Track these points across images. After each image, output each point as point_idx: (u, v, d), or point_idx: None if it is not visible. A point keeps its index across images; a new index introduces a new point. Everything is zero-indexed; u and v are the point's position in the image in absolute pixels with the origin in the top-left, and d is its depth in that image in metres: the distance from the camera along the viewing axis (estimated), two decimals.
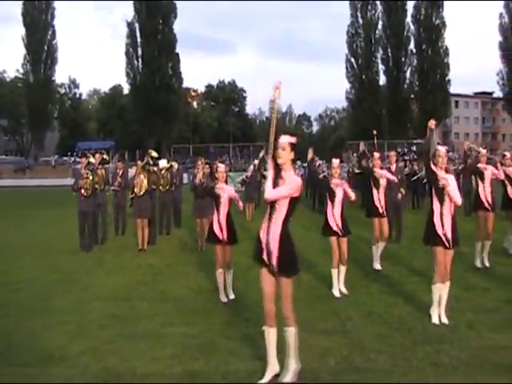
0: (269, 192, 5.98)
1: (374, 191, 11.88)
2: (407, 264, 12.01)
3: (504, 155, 13.02)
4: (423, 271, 11.15)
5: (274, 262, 5.98)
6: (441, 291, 8.11)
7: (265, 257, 6.04)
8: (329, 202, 10.08)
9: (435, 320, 8.06)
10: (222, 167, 10.27)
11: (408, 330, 7.75)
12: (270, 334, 6.13)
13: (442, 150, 8.23)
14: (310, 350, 6.95)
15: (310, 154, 11.80)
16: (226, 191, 9.73)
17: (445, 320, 7.95)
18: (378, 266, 11.73)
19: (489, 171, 12.00)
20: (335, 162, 10.25)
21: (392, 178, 12.08)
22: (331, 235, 9.95)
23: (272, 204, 6.04)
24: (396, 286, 10.41)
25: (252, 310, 8.51)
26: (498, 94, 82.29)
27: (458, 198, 8.03)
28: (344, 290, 9.94)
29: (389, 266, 11.99)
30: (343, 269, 10.01)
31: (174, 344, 7.35)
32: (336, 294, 9.81)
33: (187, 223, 18.32)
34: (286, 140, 6.09)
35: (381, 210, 11.82)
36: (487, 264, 11.75)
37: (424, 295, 9.20)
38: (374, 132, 15.15)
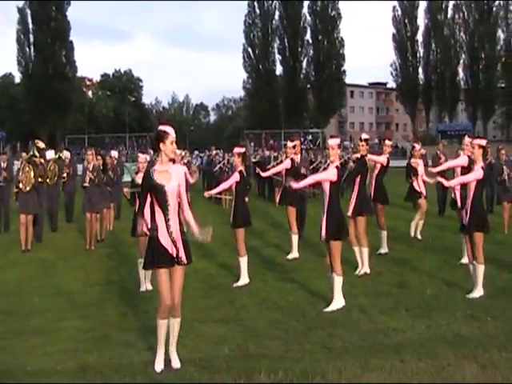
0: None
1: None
2: (301, 252, 12.18)
3: (413, 147, 13.36)
4: (317, 259, 11.39)
5: (181, 253, 6.02)
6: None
7: (173, 254, 6.01)
8: None
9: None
10: (142, 157, 9.87)
11: (302, 316, 7.90)
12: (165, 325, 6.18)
13: (331, 142, 8.40)
14: (205, 339, 7.00)
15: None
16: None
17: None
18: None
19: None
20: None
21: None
22: None
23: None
24: (291, 273, 10.57)
25: (149, 302, 8.41)
26: (392, 84, 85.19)
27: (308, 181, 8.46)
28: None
29: (284, 255, 12.17)
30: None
31: (67, 338, 7.20)
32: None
33: (82, 217, 17.82)
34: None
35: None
36: (384, 250, 12.08)
37: (317, 281, 9.40)
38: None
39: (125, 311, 8.36)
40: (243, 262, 9.85)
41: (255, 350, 6.60)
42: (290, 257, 11.90)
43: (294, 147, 12.45)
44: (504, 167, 14.80)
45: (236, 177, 9.85)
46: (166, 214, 6.01)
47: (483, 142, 8.72)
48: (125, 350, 6.68)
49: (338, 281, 8.23)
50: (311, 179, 8.59)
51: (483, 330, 7.07)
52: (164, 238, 6.00)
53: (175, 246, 6.00)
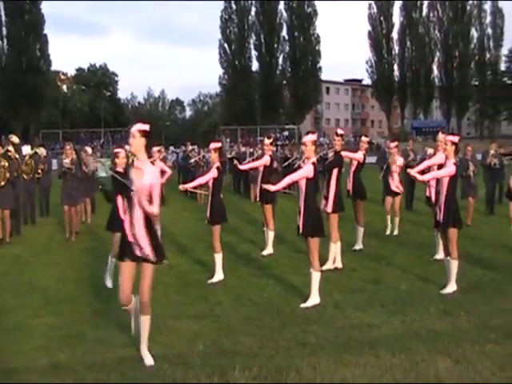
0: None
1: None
2: (276, 248, 12.16)
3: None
4: (291, 254, 11.40)
5: (147, 250, 6.02)
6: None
7: (137, 251, 6.04)
8: None
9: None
10: (122, 153, 9.73)
11: (277, 312, 7.89)
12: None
13: (307, 138, 8.41)
14: (179, 335, 6.97)
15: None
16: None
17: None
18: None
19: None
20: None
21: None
22: None
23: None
24: (265, 269, 10.56)
25: None
26: (367, 81, 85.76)
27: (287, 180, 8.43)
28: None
29: (258, 250, 12.16)
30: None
31: (40, 336, 7.10)
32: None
33: (56, 211, 17.70)
34: (136, 127, 6.08)
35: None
36: (359, 247, 12.10)
37: (292, 277, 9.41)
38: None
39: (98, 308, 8.28)
40: (218, 258, 9.81)
41: (229, 347, 6.58)
42: (265, 253, 11.89)
43: (271, 144, 12.42)
44: (470, 163, 15.08)
45: (214, 173, 9.80)
46: (132, 211, 6.05)
47: (456, 139, 8.81)
48: (98, 347, 6.61)
49: (317, 276, 8.25)
50: (289, 179, 8.55)
51: (456, 324, 7.13)
52: (129, 234, 6.05)
53: (139, 243, 6.03)
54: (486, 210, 16.95)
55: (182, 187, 10.65)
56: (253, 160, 14.60)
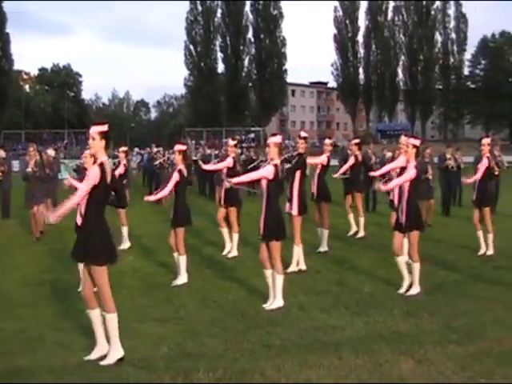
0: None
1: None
2: (241, 250, 12.13)
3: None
4: (256, 257, 11.38)
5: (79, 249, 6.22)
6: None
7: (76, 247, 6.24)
8: None
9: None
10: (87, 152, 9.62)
11: (241, 314, 7.88)
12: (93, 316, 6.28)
13: (271, 140, 8.42)
14: (144, 338, 6.93)
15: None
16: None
17: None
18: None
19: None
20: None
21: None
22: None
23: None
24: (230, 271, 10.55)
25: None
26: (333, 84, 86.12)
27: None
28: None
29: (222, 252, 12.14)
30: None
31: (1, 340, 7.02)
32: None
33: (19, 213, 17.42)
34: (94, 130, 6.16)
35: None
36: (324, 249, 12.14)
37: (257, 280, 9.39)
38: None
39: (59, 311, 8.18)
40: (182, 260, 9.77)
41: (194, 349, 6.56)
42: (229, 255, 11.87)
43: (235, 145, 12.39)
44: (428, 166, 15.31)
45: (176, 177, 9.76)
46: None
47: (417, 142, 8.92)
48: (59, 351, 6.54)
49: (280, 279, 8.24)
50: (247, 177, 8.59)
51: (419, 326, 7.20)
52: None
53: (78, 242, 6.24)
54: (443, 213, 17.18)
55: (146, 199, 10.44)
56: (218, 162, 14.56)
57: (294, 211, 10.44)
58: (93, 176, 6.04)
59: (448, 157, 17.11)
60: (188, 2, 74.49)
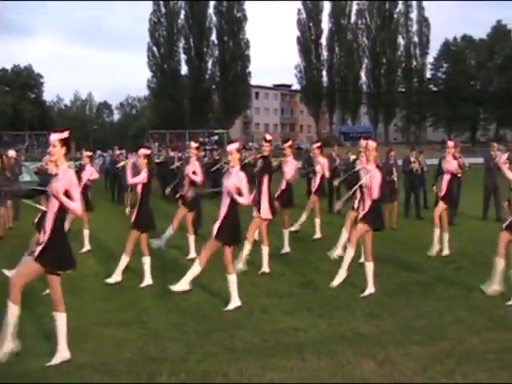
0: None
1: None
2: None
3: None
4: (218, 259, 11.33)
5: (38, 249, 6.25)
6: None
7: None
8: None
9: None
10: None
11: (204, 317, 7.87)
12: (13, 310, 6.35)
13: (230, 147, 8.47)
14: (105, 343, 6.88)
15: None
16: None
17: None
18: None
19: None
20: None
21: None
22: None
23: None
24: None
25: (46, 305, 8.10)
26: (296, 86, 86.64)
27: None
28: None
29: (185, 256, 12.07)
30: None
31: None
32: None
33: None
34: (55, 137, 6.23)
35: None
36: (285, 250, 12.17)
37: (219, 283, 9.35)
38: None
39: (21, 316, 8.02)
40: (147, 262, 9.72)
41: (156, 353, 6.52)
42: (188, 257, 11.84)
43: (197, 148, 12.29)
44: (393, 168, 15.48)
45: (144, 178, 9.70)
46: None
47: (374, 144, 9.09)
48: (22, 357, 6.41)
49: (233, 279, 8.35)
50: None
51: (381, 327, 7.26)
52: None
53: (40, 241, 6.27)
54: (405, 214, 17.33)
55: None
56: (181, 165, 14.50)
57: (263, 214, 10.46)
58: (74, 179, 6.20)
59: (412, 160, 17.28)
60: (151, 2, 74.24)
